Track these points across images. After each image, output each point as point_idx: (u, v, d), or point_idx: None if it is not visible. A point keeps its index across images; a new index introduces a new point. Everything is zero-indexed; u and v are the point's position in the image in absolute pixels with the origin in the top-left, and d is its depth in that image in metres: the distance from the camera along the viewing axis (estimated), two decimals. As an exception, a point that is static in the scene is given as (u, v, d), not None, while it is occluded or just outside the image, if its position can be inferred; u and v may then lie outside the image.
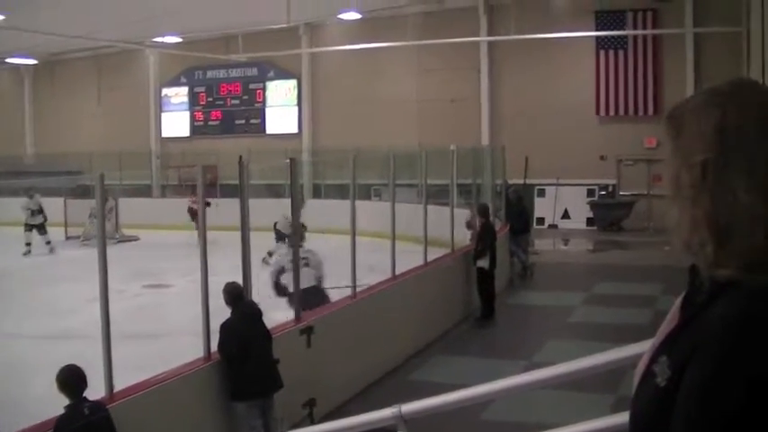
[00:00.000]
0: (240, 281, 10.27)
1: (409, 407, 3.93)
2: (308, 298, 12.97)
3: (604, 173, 32.82)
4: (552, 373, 3.89)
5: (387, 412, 3.97)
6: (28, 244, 27.84)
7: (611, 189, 33.13)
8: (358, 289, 13.34)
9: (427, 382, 12.89)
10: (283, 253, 14.99)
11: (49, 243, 28.13)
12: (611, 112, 32.51)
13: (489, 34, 33.60)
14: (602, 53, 32.47)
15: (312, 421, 10.78)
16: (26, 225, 28.19)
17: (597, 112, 32.72)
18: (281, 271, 13.68)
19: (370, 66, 36.31)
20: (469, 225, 19.40)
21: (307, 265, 14.07)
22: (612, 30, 31.70)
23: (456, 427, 7.36)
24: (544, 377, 3.90)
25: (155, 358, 12.10)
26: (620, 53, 32.24)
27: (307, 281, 13.56)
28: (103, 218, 8.82)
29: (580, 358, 3.83)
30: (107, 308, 8.03)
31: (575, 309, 18.57)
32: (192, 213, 27.21)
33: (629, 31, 31.59)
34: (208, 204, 11.20)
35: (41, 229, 28.26)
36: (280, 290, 13.40)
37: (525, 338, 16.24)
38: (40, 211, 28.46)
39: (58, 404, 7.34)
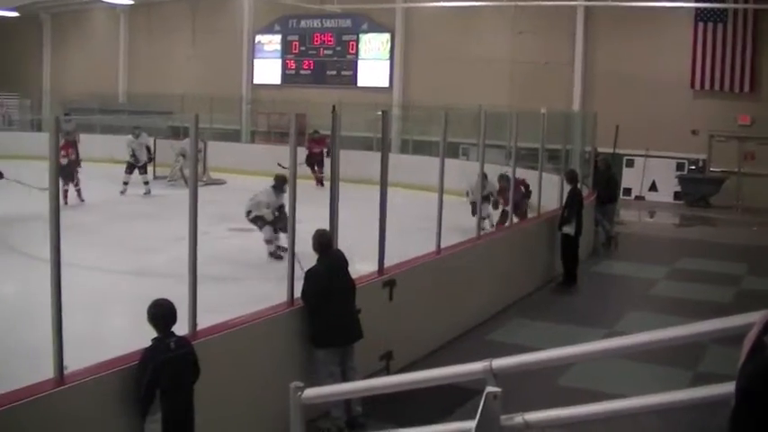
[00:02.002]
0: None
1: (500, 362, 3.93)
2: None
3: (695, 147, 32.26)
4: (645, 339, 3.85)
5: (477, 366, 3.98)
6: (125, 183, 27.60)
7: (701, 164, 32.58)
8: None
9: (504, 344, 12.92)
10: None
11: (147, 183, 27.98)
12: (707, 87, 31.85)
13: (587, -1, 33.21)
14: (700, 25, 31.79)
15: (388, 373, 10.84)
16: (128, 164, 27.90)
17: (692, 85, 32.09)
18: None
19: (464, 24, 36.07)
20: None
21: None
22: (713, 2, 31.04)
23: (535, 390, 7.36)
24: (637, 342, 3.88)
25: (235, 301, 12.27)
26: (719, 27, 31.52)
27: None
28: (196, 158, 8.86)
29: (665, 328, 3.79)
30: (195, 247, 8.10)
31: (657, 282, 18.40)
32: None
33: (729, 5, 30.92)
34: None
35: (143, 168, 28.10)
36: None
37: (605, 307, 16.13)
38: (148, 149, 28.37)
39: (140, 338, 7.45)
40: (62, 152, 24.73)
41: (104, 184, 27.36)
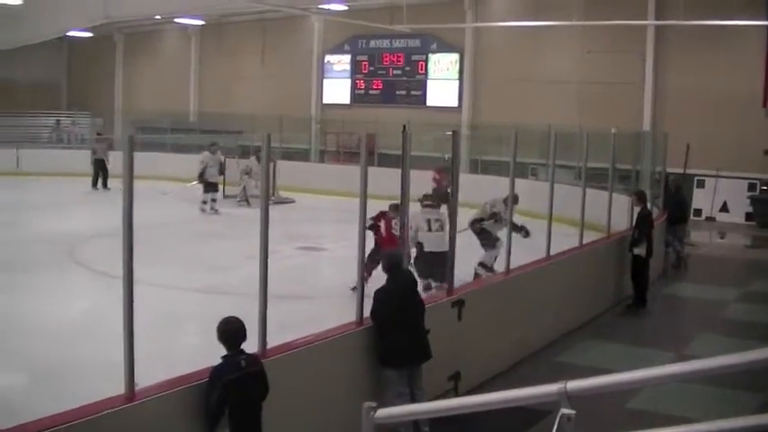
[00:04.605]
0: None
1: (575, 384, 3.91)
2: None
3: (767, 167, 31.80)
4: (717, 364, 3.80)
5: (552, 387, 3.96)
6: (204, 202, 27.78)
7: (773, 185, 32.10)
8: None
9: (574, 365, 12.79)
10: None
11: (215, 201, 28.04)
12: (779, 106, 31.40)
13: (657, 18, 32.78)
14: (773, 43, 31.40)
15: (456, 394, 10.81)
16: (204, 182, 27.90)
17: (764, 104, 31.59)
18: None
19: (533, 44, 35.95)
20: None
21: (441, 228, 14.20)
22: (786, 20, 30.56)
23: (604, 413, 7.30)
24: (710, 366, 3.83)
25: (303, 319, 12.33)
26: (793, 45, 31.12)
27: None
28: (268, 177, 8.93)
29: (737, 352, 3.75)
30: (266, 265, 8.14)
31: (728, 304, 18.13)
32: None
33: (803, 22, 30.45)
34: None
35: (215, 186, 28.16)
36: None
37: (676, 330, 15.94)
38: (221, 167, 28.41)
39: (211, 355, 7.49)
40: None
41: (177, 202, 27.64)
